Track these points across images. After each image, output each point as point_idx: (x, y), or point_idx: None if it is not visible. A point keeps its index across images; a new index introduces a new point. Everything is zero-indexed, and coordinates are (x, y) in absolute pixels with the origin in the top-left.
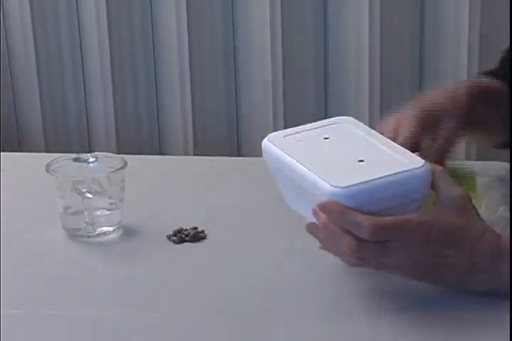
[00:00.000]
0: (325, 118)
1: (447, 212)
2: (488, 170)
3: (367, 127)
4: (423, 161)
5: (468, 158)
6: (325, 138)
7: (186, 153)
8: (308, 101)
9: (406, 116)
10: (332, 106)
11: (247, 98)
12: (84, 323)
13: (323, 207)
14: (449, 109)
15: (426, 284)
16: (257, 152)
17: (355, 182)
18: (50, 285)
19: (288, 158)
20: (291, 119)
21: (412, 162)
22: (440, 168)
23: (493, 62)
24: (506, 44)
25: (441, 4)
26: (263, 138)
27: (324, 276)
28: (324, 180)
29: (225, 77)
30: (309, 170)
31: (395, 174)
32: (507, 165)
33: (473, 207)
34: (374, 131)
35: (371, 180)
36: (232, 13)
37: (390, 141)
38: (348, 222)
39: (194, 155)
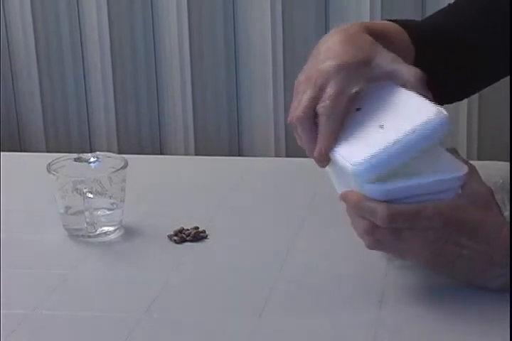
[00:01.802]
0: None
1: (468, 204)
2: (488, 170)
3: (402, 89)
4: (436, 110)
5: (469, 157)
6: (357, 109)
7: (187, 153)
8: None
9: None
10: None
11: (248, 98)
12: (84, 323)
13: (343, 197)
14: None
15: (427, 284)
16: (258, 152)
17: (371, 154)
18: (51, 285)
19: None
20: None
21: (426, 113)
22: (471, 164)
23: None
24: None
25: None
26: (264, 138)
27: (325, 276)
28: (346, 160)
29: (226, 77)
30: (335, 150)
31: (406, 134)
32: (507, 165)
33: (496, 204)
34: (405, 90)
35: (386, 147)
36: (233, 14)
37: (414, 94)
38: (364, 210)
39: (195, 155)
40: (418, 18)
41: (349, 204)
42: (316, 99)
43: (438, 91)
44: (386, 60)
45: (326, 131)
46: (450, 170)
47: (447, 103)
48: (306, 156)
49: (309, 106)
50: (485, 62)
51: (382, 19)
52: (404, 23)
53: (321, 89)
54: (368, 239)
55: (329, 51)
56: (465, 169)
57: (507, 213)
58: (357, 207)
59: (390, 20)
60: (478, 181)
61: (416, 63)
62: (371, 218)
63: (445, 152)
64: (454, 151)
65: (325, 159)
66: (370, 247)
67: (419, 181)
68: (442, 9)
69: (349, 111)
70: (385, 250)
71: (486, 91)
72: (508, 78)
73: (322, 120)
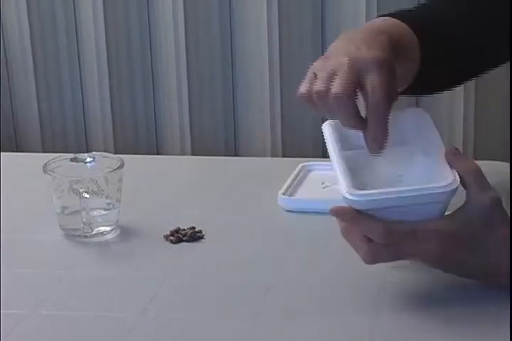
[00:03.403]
0: (323, 120)
1: (471, 222)
2: (487, 170)
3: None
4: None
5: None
6: None
7: (183, 153)
8: None
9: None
10: None
11: (244, 98)
12: (81, 323)
13: (335, 213)
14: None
15: (424, 284)
16: (254, 152)
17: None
18: (48, 285)
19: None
20: (289, 119)
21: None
22: (475, 166)
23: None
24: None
25: None
26: (260, 138)
27: (324, 276)
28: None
29: (222, 77)
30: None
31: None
32: (504, 164)
33: (503, 213)
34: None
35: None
36: (229, 13)
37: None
38: (360, 227)
39: (191, 155)
40: None
41: (343, 224)
42: (354, 84)
43: (432, 79)
44: None
45: (378, 124)
46: (439, 183)
47: (439, 92)
48: (302, 156)
49: (350, 88)
50: (481, 50)
51: (378, 15)
52: (403, 17)
53: (358, 77)
54: (364, 254)
55: (368, 42)
56: (455, 182)
57: None
58: (353, 225)
59: (388, 15)
60: (484, 189)
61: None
62: (368, 235)
63: (439, 161)
64: (455, 150)
65: (380, 150)
66: (368, 262)
67: (404, 194)
68: None
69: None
70: (383, 262)
71: (482, 90)
72: (504, 77)
73: (379, 111)
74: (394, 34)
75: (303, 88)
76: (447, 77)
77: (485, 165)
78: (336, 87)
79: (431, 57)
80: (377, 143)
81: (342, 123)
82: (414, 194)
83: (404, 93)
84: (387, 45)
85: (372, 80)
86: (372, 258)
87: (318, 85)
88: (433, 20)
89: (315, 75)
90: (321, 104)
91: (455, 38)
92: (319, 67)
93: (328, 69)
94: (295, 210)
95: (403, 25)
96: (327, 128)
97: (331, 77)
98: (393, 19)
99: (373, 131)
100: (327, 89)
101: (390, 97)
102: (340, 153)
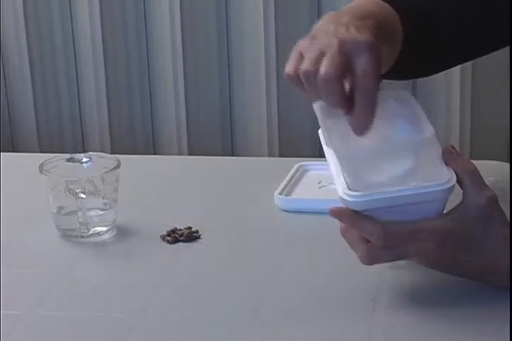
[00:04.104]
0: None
1: (465, 222)
2: (481, 170)
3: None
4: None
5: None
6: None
7: (180, 153)
8: (303, 99)
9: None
10: None
11: (241, 97)
12: (79, 324)
13: (334, 214)
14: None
15: (422, 282)
16: (251, 151)
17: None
18: (45, 285)
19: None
20: (286, 119)
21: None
22: (471, 166)
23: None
24: None
25: None
26: (257, 137)
27: (321, 275)
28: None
29: (219, 77)
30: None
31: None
32: (502, 164)
33: (500, 212)
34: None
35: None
36: (225, 11)
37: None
38: (359, 229)
39: (188, 154)
40: None
41: (342, 224)
42: (343, 66)
43: (414, 63)
44: None
45: (367, 108)
46: (436, 182)
47: (424, 76)
48: (299, 156)
49: (339, 70)
50: (467, 37)
51: None
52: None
53: (348, 58)
54: (362, 255)
55: (356, 25)
56: (452, 180)
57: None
58: (352, 225)
59: None
60: (481, 189)
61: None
62: (366, 236)
63: (434, 159)
64: (452, 149)
65: (365, 132)
66: (366, 263)
67: (402, 193)
68: None
69: None
70: (381, 263)
71: (479, 89)
72: (501, 77)
73: (365, 95)
74: (379, 16)
75: (289, 68)
76: (430, 60)
77: (482, 165)
78: (325, 68)
79: (413, 39)
80: (364, 125)
81: (329, 104)
82: (411, 193)
83: (384, 76)
84: (375, 28)
85: (363, 64)
86: (370, 259)
87: (306, 66)
88: (415, 2)
89: (301, 55)
90: (308, 85)
91: (438, 20)
92: (306, 47)
93: (316, 49)
94: (292, 210)
95: (386, 5)
96: (322, 129)
97: (319, 58)
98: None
99: (361, 114)
100: (315, 70)
101: (377, 81)
102: (336, 153)
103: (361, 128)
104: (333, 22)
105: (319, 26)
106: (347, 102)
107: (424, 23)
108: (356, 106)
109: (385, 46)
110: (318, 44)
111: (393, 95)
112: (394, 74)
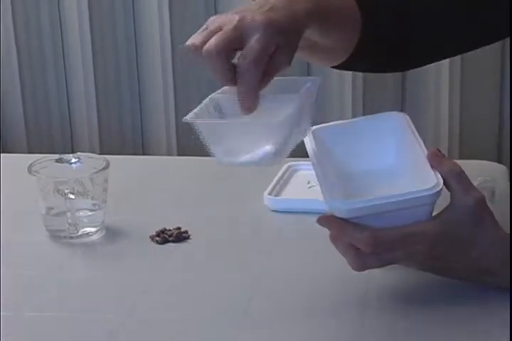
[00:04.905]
0: (314, 120)
1: (457, 221)
2: (470, 170)
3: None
4: (435, 182)
5: (450, 157)
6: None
7: (169, 153)
8: None
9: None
10: (323, 104)
11: None
12: (67, 324)
13: (322, 222)
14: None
15: (414, 282)
16: None
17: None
18: (33, 286)
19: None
20: None
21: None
22: (458, 168)
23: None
24: None
25: None
26: None
27: (311, 275)
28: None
29: (208, 77)
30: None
31: (397, 200)
32: (490, 164)
33: (489, 213)
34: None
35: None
36: (214, 7)
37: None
38: (347, 237)
39: (177, 155)
40: None
41: (331, 233)
42: (233, 42)
43: (385, 58)
44: None
45: (245, 87)
46: (422, 187)
47: (394, 71)
48: (294, 156)
49: (224, 44)
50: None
51: None
52: None
53: (241, 37)
54: (352, 262)
55: (277, 5)
56: (439, 185)
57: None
58: (341, 233)
59: None
60: (469, 190)
61: (364, 29)
62: (355, 244)
63: (420, 164)
64: (438, 152)
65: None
66: (356, 269)
67: (389, 200)
68: None
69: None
70: (371, 269)
71: (468, 89)
72: (495, 77)
73: (249, 74)
74: (322, 1)
75: (190, 40)
76: (403, 53)
77: (470, 165)
78: (210, 42)
79: (373, 26)
80: (245, 104)
81: (215, 78)
82: (398, 199)
83: (346, 67)
84: (306, 11)
85: (252, 42)
86: (360, 266)
87: (196, 38)
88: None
89: (207, 28)
90: (196, 57)
91: (399, 6)
92: (212, 21)
93: (216, 24)
94: (281, 210)
95: None
96: (308, 139)
97: (214, 32)
98: None
99: (240, 93)
100: (203, 43)
101: (258, 63)
102: (323, 163)
103: (242, 106)
104: (263, 0)
105: (249, 3)
106: (230, 79)
107: (394, 15)
108: (237, 83)
109: (315, 31)
110: (220, 19)
111: (311, 80)
112: (364, 64)
